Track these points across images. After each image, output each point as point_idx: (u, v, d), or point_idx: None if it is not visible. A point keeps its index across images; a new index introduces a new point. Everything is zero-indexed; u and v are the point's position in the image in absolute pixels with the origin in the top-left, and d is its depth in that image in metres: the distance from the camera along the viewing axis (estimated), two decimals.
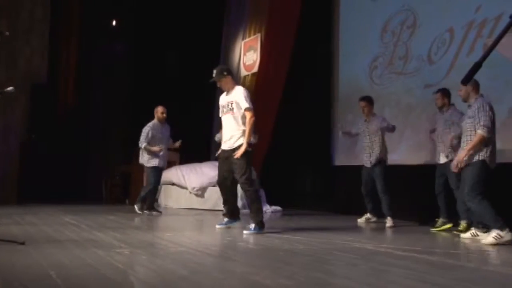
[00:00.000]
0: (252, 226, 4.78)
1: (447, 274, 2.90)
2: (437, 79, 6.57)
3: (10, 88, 4.18)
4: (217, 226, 5.21)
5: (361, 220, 6.37)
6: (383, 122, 6.20)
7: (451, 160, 5.21)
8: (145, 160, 6.90)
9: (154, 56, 11.18)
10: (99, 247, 3.53)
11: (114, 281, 2.48)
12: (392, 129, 6.21)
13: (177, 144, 7.27)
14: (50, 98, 10.78)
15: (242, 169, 4.83)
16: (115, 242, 3.82)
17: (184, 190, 8.74)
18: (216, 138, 5.49)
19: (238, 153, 4.79)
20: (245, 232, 4.73)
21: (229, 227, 5.15)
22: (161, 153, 6.89)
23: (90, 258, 3.05)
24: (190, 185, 8.56)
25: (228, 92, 5.06)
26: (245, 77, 10.32)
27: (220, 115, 5.15)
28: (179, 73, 11.35)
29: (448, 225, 5.41)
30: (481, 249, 4.09)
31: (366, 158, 6.27)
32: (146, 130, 6.83)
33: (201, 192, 8.49)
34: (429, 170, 5.96)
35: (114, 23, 11.80)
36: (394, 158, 6.57)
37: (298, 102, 8.98)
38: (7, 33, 4.46)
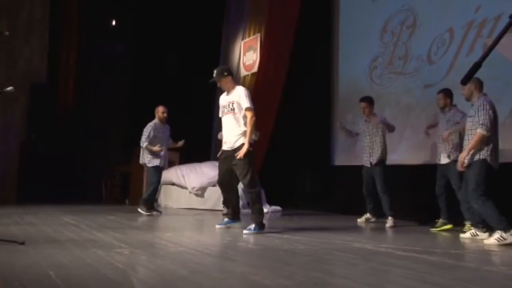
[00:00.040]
0: (252, 226, 4.78)
1: (447, 274, 2.90)
2: (436, 79, 6.57)
3: (9, 88, 4.18)
4: (217, 226, 5.21)
5: (360, 220, 6.37)
6: (383, 121, 6.22)
7: (453, 161, 5.22)
8: (147, 160, 6.89)
9: (154, 56, 11.18)
10: (99, 247, 3.53)
11: (114, 281, 2.48)
12: (391, 129, 6.22)
13: (180, 143, 7.28)
14: (49, 98, 10.76)
15: (245, 170, 4.83)
16: (115, 242, 3.82)
17: (184, 190, 8.74)
18: (219, 136, 5.49)
19: (241, 153, 4.79)
20: (245, 232, 4.73)
21: (228, 227, 5.15)
22: (162, 153, 6.90)
23: (90, 258, 3.05)
24: (190, 185, 8.56)
25: (228, 92, 5.06)
26: (244, 77, 10.32)
27: (221, 116, 5.15)
28: (179, 73, 11.34)
29: (448, 226, 5.41)
30: (481, 249, 4.09)
31: (366, 158, 6.28)
32: (148, 129, 6.83)
33: (201, 192, 8.49)
34: (429, 170, 5.96)
35: (114, 23, 11.80)
36: (394, 158, 6.57)
37: (298, 102, 8.97)
38: (7, 33, 4.46)
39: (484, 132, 4.37)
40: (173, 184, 8.92)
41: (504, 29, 1.88)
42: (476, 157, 4.43)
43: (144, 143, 6.80)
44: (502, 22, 5.46)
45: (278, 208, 8.13)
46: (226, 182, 5.09)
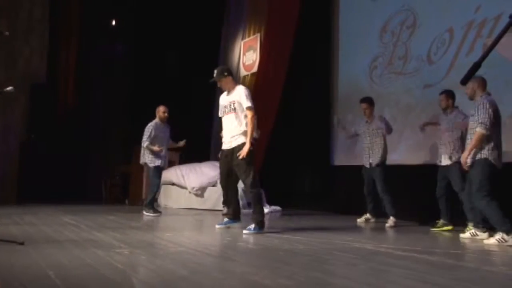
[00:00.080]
0: (252, 226, 4.78)
1: (447, 274, 2.89)
2: (436, 79, 6.57)
3: (9, 88, 4.18)
4: (217, 226, 5.21)
5: (360, 220, 6.37)
6: (382, 123, 6.21)
7: (455, 162, 5.22)
8: (148, 160, 6.87)
9: (154, 56, 11.17)
10: (99, 247, 3.53)
11: (113, 281, 2.48)
12: (389, 131, 6.20)
13: (181, 143, 7.28)
14: (49, 98, 10.76)
15: (246, 171, 4.84)
16: (115, 242, 3.82)
17: (184, 190, 8.74)
18: (222, 135, 5.48)
19: (243, 153, 4.79)
20: (245, 232, 4.73)
21: (228, 227, 5.15)
22: (162, 153, 6.89)
23: (89, 258, 3.04)
24: (190, 185, 8.56)
25: (229, 92, 5.07)
26: (244, 77, 10.32)
27: (221, 115, 5.14)
28: (179, 73, 11.34)
29: (448, 227, 5.40)
30: (481, 249, 4.09)
31: (366, 159, 6.28)
32: (149, 129, 6.83)
33: (200, 192, 8.49)
34: (428, 170, 5.96)
35: (113, 23, 11.79)
36: (394, 158, 6.57)
37: (297, 102, 8.98)
38: (7, 33, 4.46)
39: (483, 131, 4.36)
40: (173, 184, 8.92)
41: (504, 29, 1.88)
42: (478, 156, 4.42)
43: (145, 142, 6.79)
44: (502, 22, 5.46)
45: (277, 208, 8.14)
46: (227, 182, 5.09)
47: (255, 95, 5.05)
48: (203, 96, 10.58)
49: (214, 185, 8.42)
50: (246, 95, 4.91)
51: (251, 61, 10.18)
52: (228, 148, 4.99)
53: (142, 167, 7.61)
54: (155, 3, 11.11)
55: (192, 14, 10.81)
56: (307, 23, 8.70)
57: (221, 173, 5.17)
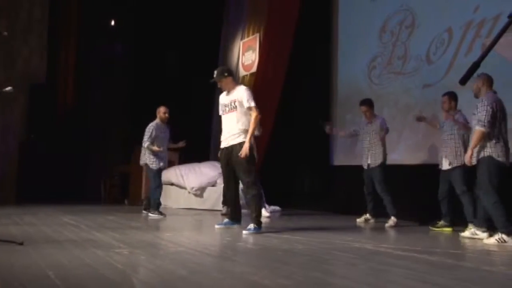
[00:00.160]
0: (252, 226, 4.78)
1: (447, 274, 2.90)
2: (435, 79, 6.58)
3: (8, 88, 4.18)
4: (216, 226, 5.21)
5: (360, 220, 6.37)
6: (382, 123, 6.19)
7: (456, 167, 5.21)
8: (149, 161, 6.84)
9: (153, 56, 11.17)
10: (98, 247, 3.53)
11: (113, 281, 2.48)
12: (385, 131, 6.17)
13: (181, 144, 7.28)
14: (49, 98, 10.75)
15: (246, 170, 4.85)
16: (114, 242, 3.82)
17: (183, 190, 8.74)
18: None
19: (243, 152, 4.80)
20: (244, 232, 4.73)
21: (228, 228, 5.14)
22: (163, 154, 6.89)
23: (89, 258, 3.05)
24: (189, 185, 8.56)
25: (229, 92, 5.07)
26: (243, 77, 10.32)
27: (221, 114, 5.15)
28: (178, 73, 11.34)
29: (448, 229, 5.39)
30: (481, 249, 4.09)
31: (365, 159, 6.28)
32: (150, 129, 6.81)
33: (200, 192, 8.49)
34: (428, 170, 5.96)
35: (113, 23, 11.79)
36: (393, 158, 6.57)
37: (297, 102, 8.98)
38: (6, 33, 4.46)
39: (481, 129, 4.33)
40: (172, 184, 8.92)
41: (502, 29, 1.88)
42: (481, 155, 4.39)
43: (145, 143, 6.77)
44: (501, 22, 5.46)
45: (277, 208, 8.13)
46: (228, 182, 5.10)
47: (254, 95, 5.05)
48: (203, 96, 10.58)
49: (213, 185, 8.43)
50: (249, 95, 4.93)
51: (250, 61, 10.18)
52: (227, 146, 5.00)
53: (141, 168, 7.59)
54: (155, 3, 11.11)
55: (192, 14, 10.81)
56: (306, 23, 8.70)
57: (223, 173, 5.18)
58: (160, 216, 6.61)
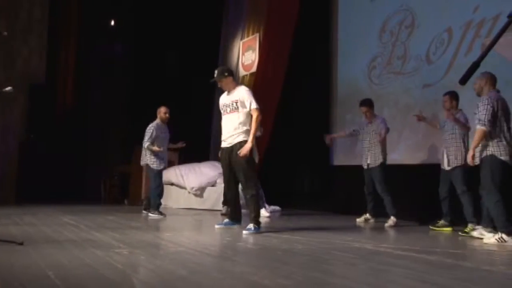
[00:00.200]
0: (251, 226, 4.79)
1: (446, 274, 2.90)
2: (435, 79, 6.58)
3: (8, 88, 4.19)
4: (216, 226, 5.21)
5: (360, 220, 6.37)
6: (382, 124, 6.17)
7: (456, 167, 5.20)
8: (150, 161, 6.83)
9: (153, 56, 11.17)
10: (98, 247, 3.53)
11: (113, 281, 2.48)
12: (386, 131, 6.16)
13: (180, 144, 7.27)
14: (48, 98, 10.75)
15: (245, 170, 4.85)
16: (114, 242, 3.82)
17: (183, 190, 8.74)
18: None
19: (243, 151, 4.80)
20: (244, 232, 4.73)
21: (228, 228, 5.14)
22: (163, 154, 6.89)
23: (89, 259, 3.05)
24: (189, 185, 8.56)
25: (229, 92, 5.08)
26: (243, 77, 10.32)
27: (222, 114, 5.15)
28: (178, 73, 11.34)
29: (448, 229, 5.39)
30: (481, 248, 4.09)
31: (365, 159, 6.27)
32: (150, 129, 6.80)
33: (200, 192, 8.49)
34: (428, 170, 5.96)
35: (112, 23, 11.79)
36: (393, 157, 6.57)
37: (296, 102, 8.98)
38: (5, 33, 4.46)
39: (482, 128, 4.31)
40: (172, 184, 8.92)
41: (502, 28, 1.88)
42: (484, 154, 4.37)
43: (146, 143, 6.77)
44: (501, 22, 5.45)
45: (277, 208, 8.13)
46: (228, 182, 5.10)
47: (254, 95, 5.05)
48: (203, 96, 10.58)
49: (213, 185, 8.43)
50: (250, 97, 4.93)
51: (250, 61, 10.18)
52: (228, 146, 5.00)
53: (141, 168, 7.58)
54: (155, 3, 11.11)
55: (192, 14, 10.81)
56: (306, 23, 8.71)
57: (224, 173, 5.18)
58: (160, 216, 6.61)
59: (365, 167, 6.27)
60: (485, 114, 4.31)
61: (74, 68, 11.50)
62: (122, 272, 2.69)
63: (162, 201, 7.03)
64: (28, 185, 9.12)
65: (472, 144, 4.43)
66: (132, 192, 9.45)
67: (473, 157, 4.42)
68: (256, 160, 6.66)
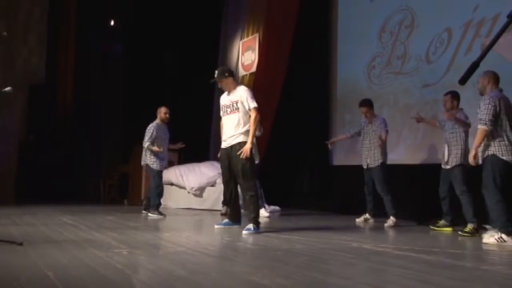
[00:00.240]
0: (251, 226, 4.79)
1: (445, 274, 2.90)
2: (435, 78, 6.58)
3: (8, 88, 4.18)
4: (216, 226, 5.21)
5: (359, 220, 6.37)
6: (381, 124, 6.17)
7: (456, 165, 5.20)
8: (151, 161, 6.83)
9: (152, 56, 11.18)
10: (98, 247, 3.53)
11: (112, 281, 2.48)
12: (385, 133, 6.14)
13: (179, 145, 7.27)
14: (48, 98, 10.77)
15: (245, 172, 4.85)
16: (114, 243, 3.82)
17: (183, 190, 8.74)
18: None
19: (243, 153, 4.80)
20: (244, 232, 4.73)
21: (227, 228, 5.14)
22: (164, 154, 6.89)
23: (88, 259, 3.04)
24: (189, 185, 8.56)
25: (229, 93, 5.08)
26: (243, 77, 10.32)
27: (222, 115, 5.15)
28: (177, 73, 11.34)
29: (449, 229, 5.38)
30: (479, 248, 4.09)
31: (365, 159, 6.27)
32: (151, 129, 6.80)
33: (199, 192, 8.49)
34: (427, 170, 5.96)
35: (112, 23, 11.79)
36: (392, 157, 6.58)
37: (296, 102, 8.98)
38: (5, 33, 4.46)
39: (484, 127, 4.30)
40: (171, 184, 8.92)
41: (502, 28, 1.88)
42: (486, 154, 4.36)
43: (146, 143, 6.77)
44: (500, 22, 5.47)
45: (276, 208, 8.13)
46: (228, 182, 5.10)
47: (254, 95, 5.06)
48: (202, 96, 10.58)
49: (213, 185, 8.43)
50: (249, 96, 4.93)
51: (250, 61, 10.18)
52: (227, 146, 5.00)
53: (141, 168, 7.58)
54: (154, 3, 11.11)
55: (191, 14, 10.82)
56: (305, 23, 8.71)
57: (223, 174, 5.18)
58: (160, 216, 6.60)
59: (365, 167, 6.27)
60: (487, 114, 4.29)
61: (73, 68, 11.51)
62: (121, 272, 2.69)
63: (162, 201, 7.03)
64: (27, 185, 9.12)
65: (474, 144, 4.42)
66: (132, 192, 9.45)
67: (475, 156, 4.40)
68: (257, 160, 6.68)
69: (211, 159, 9.56)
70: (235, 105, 4.97)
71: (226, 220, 5.26)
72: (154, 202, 6.77)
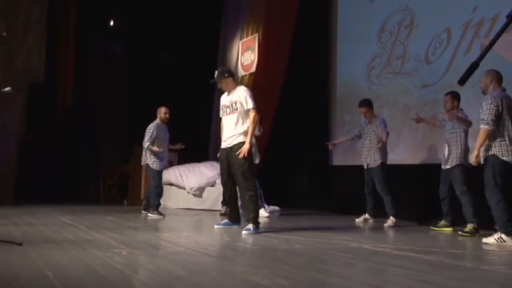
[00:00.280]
0: (251, 226, 4.79)
1: (445, 274, 2.90)
2: (434, 79, 6.58)
3: (7, 88, 4.18)
4: (216, 226, 5.22)
5: (359, 220, 6.37)
6: (381, 125, 6.16)
7: (456, 165, 5.19)
8: (151, 161, 6.83)
9: (152, 56, 11.17)
10: (97, 247, 3.53)
11: (112, 281, 2.48)
12: (385, 136, 6.13)
13: (179, 145, 7.27)
14: (47, 98, 10.76)
15: (244, 170, 4.85)
16: (113, 243, 3.82)
17: (182, 190, 8.74)
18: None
19: (243, 151, 4.80)
20: (244, 232, 4.73)
21: (227, 228, 5.14)
22: (164, 154, 6.89)
23: (87, 259, 3.04)
24: (188, 185, 8.56)
25: (229, 93, 5.08)
26: (242, 77, 10.32)
27: (222, 115, 5.16)
28: (177, 73, 11.34)
29: (449, 229, 5.38)
30: (479, 248, 4.09)
31: (365, 159, 6.27)
32: (151, 129, 6.80)
33: (199, 192, 8.49)
34: (427, 170, 5.95)
35: (112, 23, 11.78)
36: (392, 158, 6.57)
37: (296, 102, 8.98)
38: (4, 33, 4.46)
39: (486, 127, 4.28)
40: (171, 184, 8.91)
41: (501, 29, 1.88)
42: (487, 154, 4.35)
43: (146, 143, 6.77)
44: (500, 22, 5.46)
45: (276, 208, 8.13)
46: (227, 183, 5.10)
47: (254, 95, 5.06)
48: (202, 96, 10.58)
49: (212, 185, 8.42)
50: (248, 96, 4.93)
51: (249, 61, 10.18)
52: (227, 146, 5.00)
53: (140, 168, 7.58)
54: (154, 3, 11.11)
55: (191, 14, 10.81)
56: (305, 23, 8.71)
57: (221, 174, 5.18)
58: (159, 216, 6.60)
59: (365, 167, 6.27)
60: (489, 114, 4.27)
61: (73, 68, 11.51)
62: (121, 272, 2.69)
63: (162, 201, 7.03)
64: (27, 185, 9.12)
65: (476, 144, 4.40)
66: (131, 192, 9.45)
67: (477, 156, 4.40)
68: (258, 160, 6.68)
69: (210, 159, 9.56)
70: (234, 105, 4.98)
71: (225, 220, 5.26)
72: (153, 202, 6.77)
